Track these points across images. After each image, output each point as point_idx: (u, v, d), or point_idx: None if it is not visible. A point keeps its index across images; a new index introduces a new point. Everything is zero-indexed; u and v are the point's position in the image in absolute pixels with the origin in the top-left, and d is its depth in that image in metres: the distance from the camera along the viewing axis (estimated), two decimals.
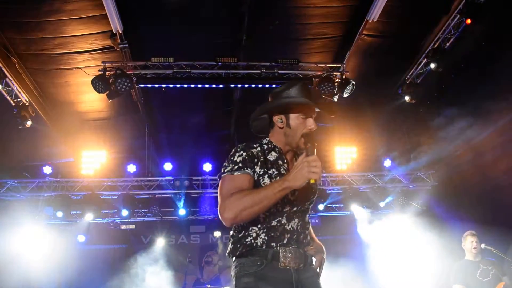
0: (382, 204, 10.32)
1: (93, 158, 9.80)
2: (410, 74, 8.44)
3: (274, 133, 2.50)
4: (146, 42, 7.56)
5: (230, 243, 2.40)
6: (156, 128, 10.09)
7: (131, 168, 9.99)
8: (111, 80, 7.27)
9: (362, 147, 10.66)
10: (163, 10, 6.78)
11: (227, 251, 2.40)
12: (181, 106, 9.07)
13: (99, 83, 7.19)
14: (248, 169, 2.30)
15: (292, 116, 2.42)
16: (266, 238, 2.28)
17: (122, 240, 11.29)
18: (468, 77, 7.80)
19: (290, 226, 2.33)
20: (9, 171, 9.45)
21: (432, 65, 7.64)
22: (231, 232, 2.42)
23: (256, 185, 2.31)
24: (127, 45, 7.14)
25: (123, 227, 10.99)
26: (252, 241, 2.28)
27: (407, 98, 8.49)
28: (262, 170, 2.33)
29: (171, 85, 7.79)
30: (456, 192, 9.13)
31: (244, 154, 2.33)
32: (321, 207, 10.55)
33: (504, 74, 6.83)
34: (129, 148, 10.59)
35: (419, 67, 8.21)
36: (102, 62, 7.40)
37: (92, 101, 8.66)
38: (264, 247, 2.26)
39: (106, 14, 6.38)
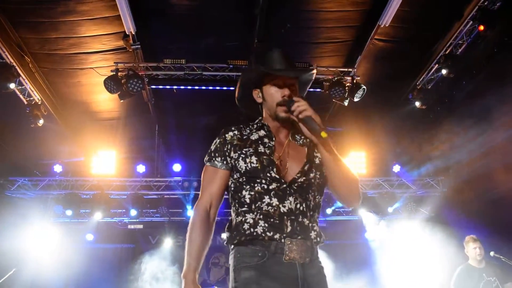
0: (390, 209, 10.28)
1: (103, 158, 9.88)
2: (421, 79, 8.40)
3: (262, 110, 2.34)
4: (158, 43, 7.63)
5: (226, 231, 2.22)
6: (166, 129, 10.14)
7: (141, 168, 10.05)
8: (123, 81, 7.34)
9: (371, 152, 10.63)
10: (176, 12, 6.84)
11: (225, 240, 2.21)
12: (191, 108, 9.12)
13: (111, 83, 7.26)
14: (218, 158, 2.21)
15: (266, 88, 2.24)
16: (266, 225, 2.03)
17: (130, 239, 11.35)
18: (480, 84, 7.76)
19: (286, 208, 2.05)
20: (20, 169, 9.55)
21: (444, 71, 7.60)
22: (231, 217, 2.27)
23: (235, 170, 2.17)
24: (139, 46, 7.21)
25: (131, 227, 11.05)
26: (251, 229, 2.05)
27: (417, 103, 8.46)
28: (237, 154, 2.17)
29: (182, 87, 7.85)
30: (465, 199, 9.07)
31: (218, 141, 2.25)
32: (328, 211, 10.54)
33: None
34: (139, 148, 10.65)
35: (431, 73, 8.18)
36: (114, 62, 7.47)
37: (104, 101, 8.73)
38: (266, 237, 2.02)
39: (119, 15, 6.43)
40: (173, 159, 10.42)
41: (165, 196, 10.33)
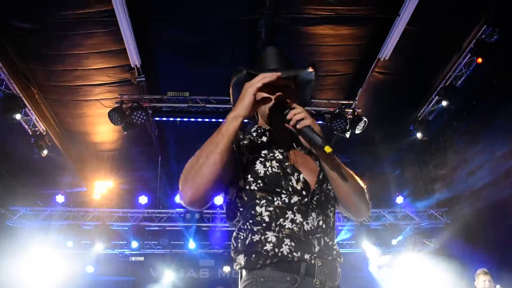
0: (394, 241, 10.16)
1: (106, 189, 9.89)
2: (422, 111, 8.49)
3: (257, 117, 2.04)
4: (162, 76, 7.77)
5: (236, 253, 1.80)
6: (168, 160, 10.19)
7: (143, 199, 10.03)
8: (127, 113, 7.44)
9: (374, 183, 10.61)
10: (180, 45, 7.00)
11: (237, 264, 1.80)
12: (194, 140, 9.17)
13: (116, 115, 7.35)
14: None
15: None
16: (293, 244, 1.70)
17: (130, 272, 11.19)
18: (480, 115, 7.83)
19: (310, 225, 1.75)
20: (22, 199, 9.55)
21: (444, 103, 7.71)
22: (234, 234, 1.84)
23: (246, 173, 1.79)
24: (144, 78, 7.34)
25: (132, 259, 10.93)
26: (275, 249, 1.69)
27: (419, 135, 8.52)
28: (252, 156, 1.83)
29: (185, 119, 7.94)
30: (470, 230, 8.97)
31: None
32: None
33: None
34: (141, 179, 10.68)
35: (431, 104, 8.27)
36: (119, 94, 7.60)
37: (107, 132, 8.82)
38: (294, 258, 1.68)
39: (125, 49, 6.59)
40: (175, 190, 10.41)
41: (166, 228, 10.24)
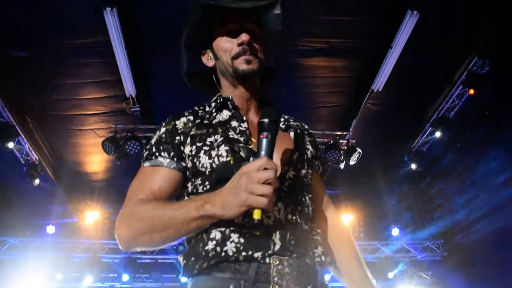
0: (390, 275, 9.99)
1: (98, 219, 9.74)
2: (416, 142, 8.52)
3: (219, 79, 1.70)
4: (157, 107, 7.78)
5: (181, 256, 1.46)
6: None
7: None
8: (121, 143, 7.40)
9: (369, 215, 10.53)
10: (175, 76, 7.02)
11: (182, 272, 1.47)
12: None
13: (109, 145, 7.32)
14: (164, 153, 1.45)
15: (216, 41, 1.58)
16: (242, 240, 1.31)
17: None
18: (473, 145, 7.87)
19: (273, 217, 1.35)
20: (11, 229, 9.36)
21: (437, 134, 7.76)
22: (187, 237, 1.50)
23: (191, 174, 1.45)
24: (139, 108, 7.34)
25: None
26: (218, 248, 1.32)
27: (413, 166, 8.53)
28: (195, 147, 1.44)
29: None
30: (467, 262, 8.86)
31: (162, 131, 1.51)
32: (326, 277, 10.23)
33: (510, 142, 6.90)
34: None
35: (425, 135, 8.32)
36: (113, 124, 7.57)
37: (101, 162, 8.76)
38: (240, 258, 1.30)
39: (120, 79, 6.62)
40: None
41: (158, 261, 10.05)
